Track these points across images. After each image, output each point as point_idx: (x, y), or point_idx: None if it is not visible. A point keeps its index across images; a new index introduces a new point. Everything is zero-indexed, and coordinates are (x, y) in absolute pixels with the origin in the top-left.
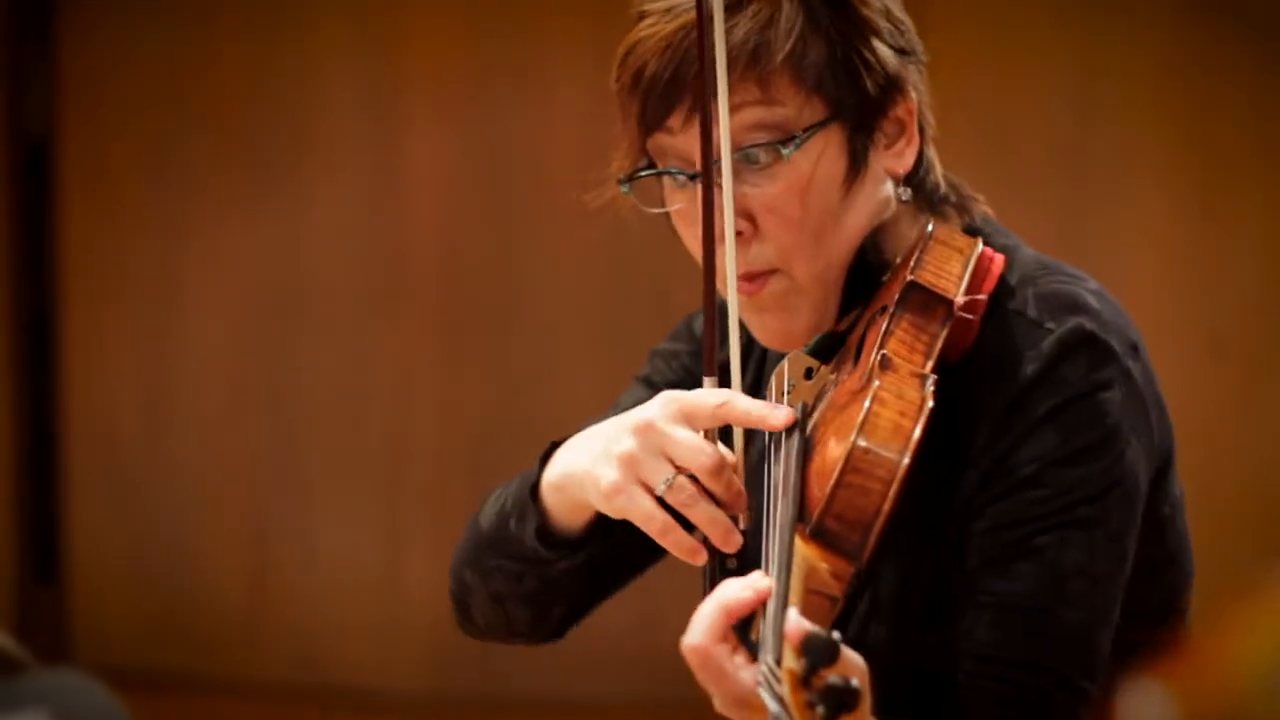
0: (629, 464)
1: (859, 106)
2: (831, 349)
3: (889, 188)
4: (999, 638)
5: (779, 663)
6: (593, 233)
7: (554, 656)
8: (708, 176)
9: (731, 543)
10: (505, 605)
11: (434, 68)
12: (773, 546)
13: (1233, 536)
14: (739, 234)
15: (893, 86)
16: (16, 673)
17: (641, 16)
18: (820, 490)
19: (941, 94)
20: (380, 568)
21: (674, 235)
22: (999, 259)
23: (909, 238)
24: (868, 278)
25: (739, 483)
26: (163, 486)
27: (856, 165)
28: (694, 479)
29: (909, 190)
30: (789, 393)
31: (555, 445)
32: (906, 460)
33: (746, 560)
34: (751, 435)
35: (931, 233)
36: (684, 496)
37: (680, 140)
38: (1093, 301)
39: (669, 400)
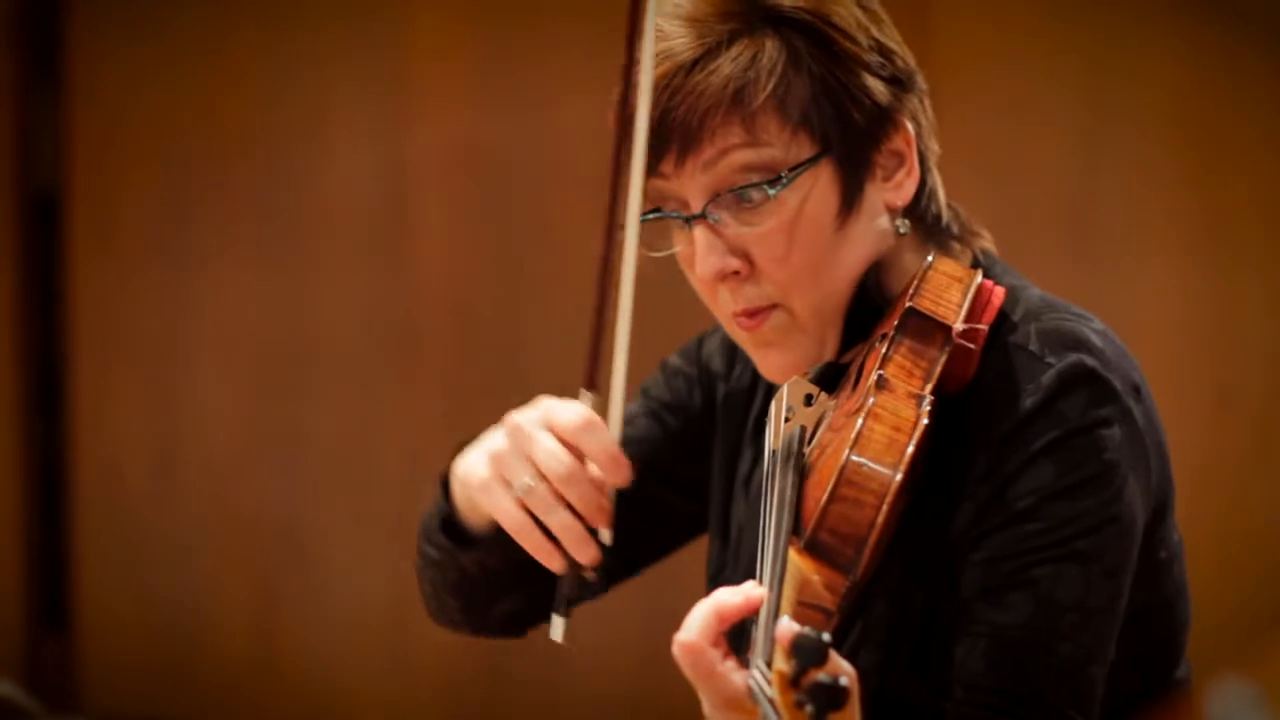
0: (496, 461)
1: (848, 141)
2: (833, 379)
3: (887, 220)
4: (991, 667)
5: (770, 665)
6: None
7: (565, 708)
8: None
9: (585, 554)
10: (438, 593)
11: (442, 122)
12: (767, 558)
13: (1238, 589)
14: (735, 273)
15: (884, 118)
16: None
17: (633, 63)
18: (815, 504)
19: (945, 138)
20: (388, 622)
21: (681, 282)
22: (999, 291)
23: (910, 271)
24: (869, 313)
25: (600, 498)
26: (171, 537)
27: (850, 200)
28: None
29: (907, 223)
30: (788, 419)
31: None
32: (899, 476)
33: (738, 576)
34: (755, 462)
35: (931, 262)
36: (539, 502)
37: (674, 184)
38: (1096, 340)
39: (541, 405)
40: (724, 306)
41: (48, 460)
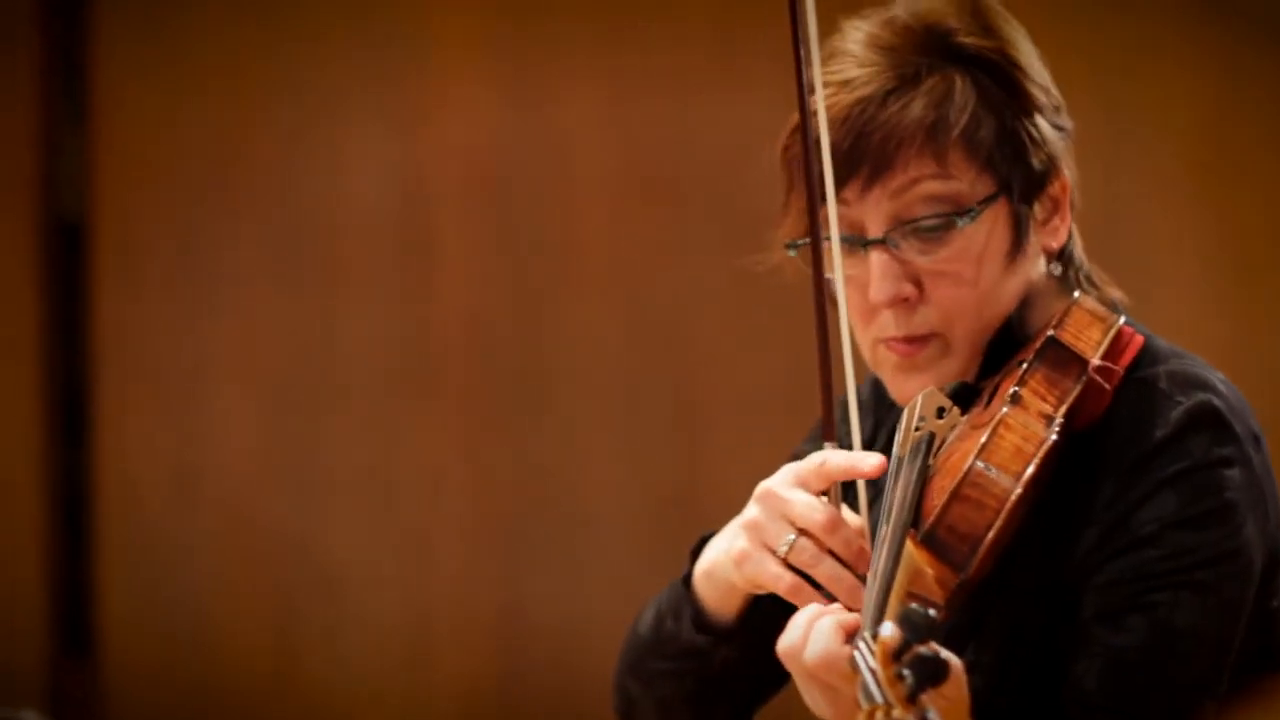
0: (753, 530)
1: (1024, 182)
2: (966, 399)
3: (1042, 263)
4: (1105, 688)
5: (875, 636)
6: (621, 317)
7: None
8: (816, 240)
9: (857, 599)
10: (670, 711)
11: (461, 147)
12: (883, 544)
13: None
14: (905, 299)
15: (1053, 163)
16: None
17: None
18: (936, 501)
19: None
20: (408, 642)
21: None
22: (1139, 338)
23: (1051, 310)
24: (1008, 345)
25: (861, 542)
26: (192, 563)
27: (1019, 239)
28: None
29: (1060, 265)
30: (918, 428)
31: (705, 539)
32: (1020, 490)
33: None
34: (875, 496)
35: (1077, 299)
36: (806, 556)
37: (855, 209)
38: (1222, 387)
39: (784, 469)
40: (879, 330)
41: (70, 485)
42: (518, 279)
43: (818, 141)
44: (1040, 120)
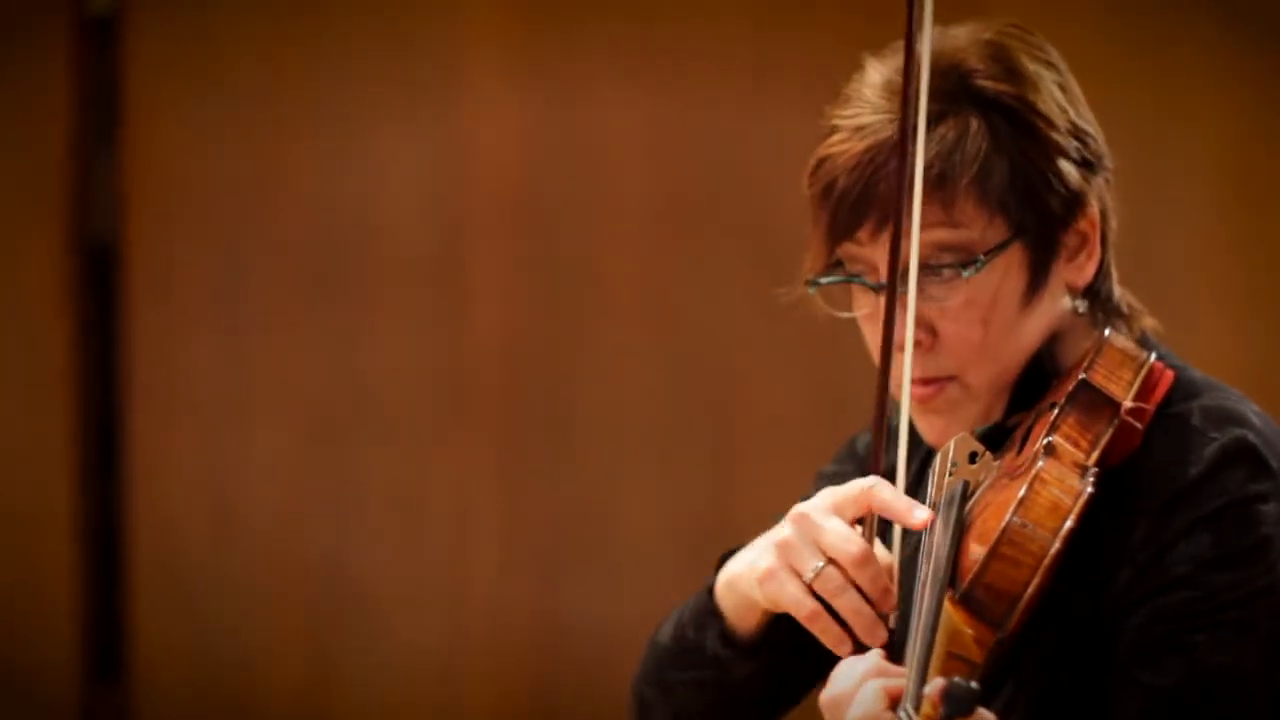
0: (783, 550)
1: (1041, 225)
2: (998, 441)
3: (1067, 300)
4: None
5: (917, 710)
6: (654, 340)
7: None
8: (891, 291)
9: (875, 637)
10: None
11: (497, 177)
12: (921, 605)
13: None
14: (918, 344)
15: (1075, 202)
16: None
17: (832, 130)
18: (974, 559)
19: None
20: (442, 669)
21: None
22: (1169, 374)
23: (1082, 348)
24: (1039, 382)
25: (887, 581)
26: (225, 591)
27: (1036, 281)
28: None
29: (1085, 302)
30: (951, 473)
31: (729, 554)
32: (1058, 545)
33: (895, 647)
34: (908, 531)
35: (1108, 338)
36: (831, 585)
37: (868, 250)
38: (1257, 421)
39: (824, 492)
40: (899, 371)
41: (104, 514)
42: (551, 303)
43: (833, 184)
44: (1061, 162)
